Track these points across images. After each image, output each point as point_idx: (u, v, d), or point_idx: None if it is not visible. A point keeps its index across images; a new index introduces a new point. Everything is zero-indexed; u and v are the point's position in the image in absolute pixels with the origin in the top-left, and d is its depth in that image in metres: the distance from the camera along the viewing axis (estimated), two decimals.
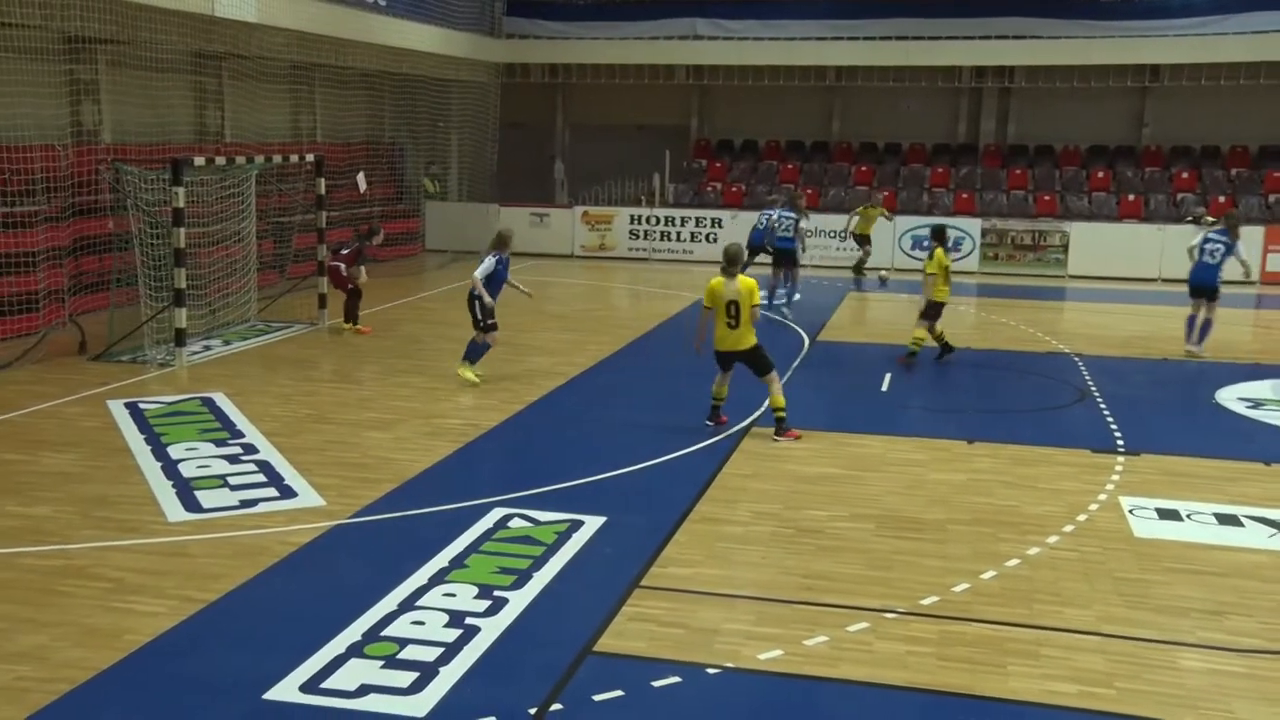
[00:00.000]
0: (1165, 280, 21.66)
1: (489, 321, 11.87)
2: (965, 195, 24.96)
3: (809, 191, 25.68)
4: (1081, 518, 8.00)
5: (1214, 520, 8.01)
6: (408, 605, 6.33)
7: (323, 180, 15.58)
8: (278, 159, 15.84)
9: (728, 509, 8.13)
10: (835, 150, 27.22)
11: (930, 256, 13.10)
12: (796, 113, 27.20)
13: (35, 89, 13.73)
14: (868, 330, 16.74)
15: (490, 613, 6.25)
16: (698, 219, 24.20)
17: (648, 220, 24.65)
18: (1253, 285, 21.27)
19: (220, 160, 14.60)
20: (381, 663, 5.64)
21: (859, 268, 21.71)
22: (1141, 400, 11.91)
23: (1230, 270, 14.23)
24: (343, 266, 14.73)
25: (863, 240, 21.52)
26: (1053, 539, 7.57)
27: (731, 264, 9.95)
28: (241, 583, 6.64)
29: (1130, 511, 8.13)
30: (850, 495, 8.49)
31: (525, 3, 27.01)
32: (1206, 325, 14.14)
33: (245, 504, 8.08)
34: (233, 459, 9.16)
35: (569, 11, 27.14)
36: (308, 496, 8.25)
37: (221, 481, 8.58)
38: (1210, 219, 22.42)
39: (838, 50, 25.21)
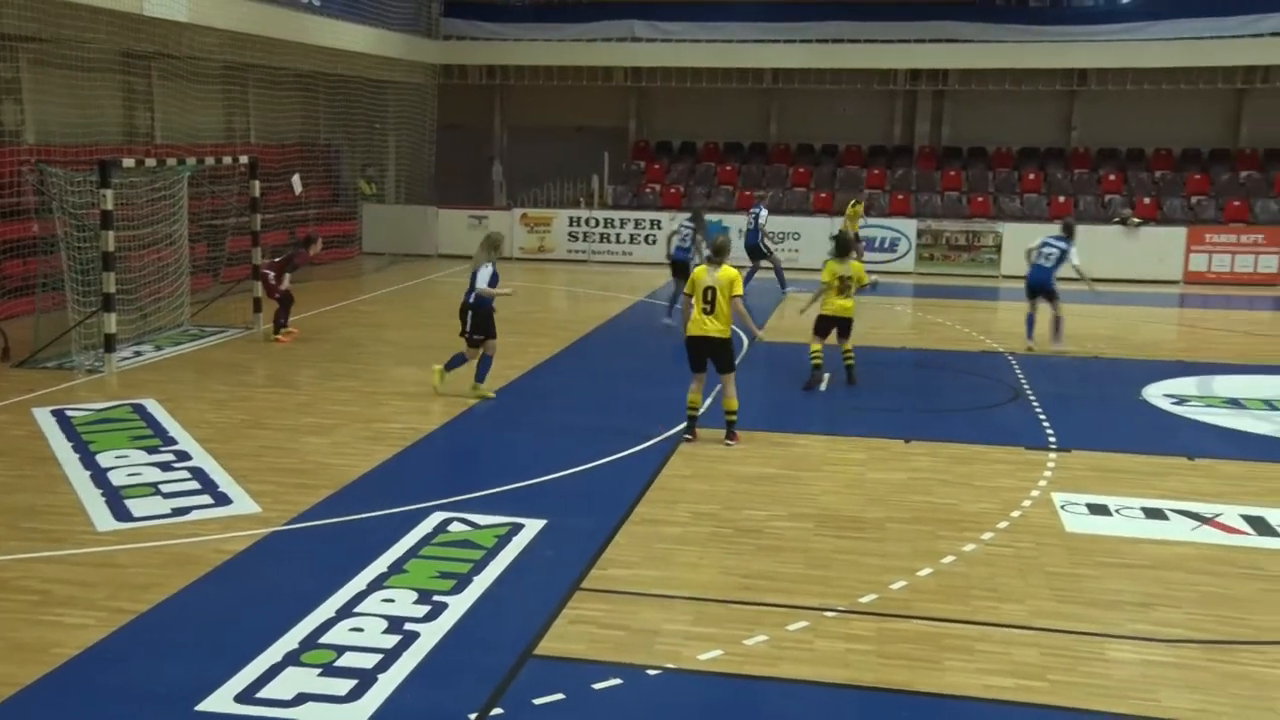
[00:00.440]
0: (1094, 280, 22.10)
1: (476, 336, 11.34)
2: (901, 196, 25.28)
3: (746, 193, 25.89)
4: (1016, 514, 8.13)
5: (1141, 514, 8.19)
6: (346, 612, 6.25)
7: (257, 182, 15.36)
8: (210, 161, 15.59)
9: (667, 510, 8.15)
10: (773, 152, 27.43)
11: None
12: (734, 114, 27.38)
13: None
14: (806, 331, 16.85)
15: (430, 618, 6.20)
16: (637, 221, 24.25)
17: (587, 222, 24.64)
18: (1082, 282, 21.78)
19: (150, 162, 14.34)
20: (319, 670, 5.57)
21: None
22: (1072, 398, 12.14)
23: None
24: (271, 274, 14.49)
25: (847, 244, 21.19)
26: (988, 536, 7.69)
27: (718, 254, 10.00)
28: (174, 592, 6.52)
29: (1062, 507, 8.28)
30: (789, 495, 8.54)
31: (462, 4, 26.90)
32: (1057, 322, 14.51)
33: (178, 512, 7.93)
34: (165, 466, 8.99)
35: (507, 13, 27.07)
36: (243, 503, 8.12)
37: (153, 489, 8.41)
38: (1136, 220, 23.04)
39: (775, 53, 25.42)
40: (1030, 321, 14.80)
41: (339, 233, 22.82)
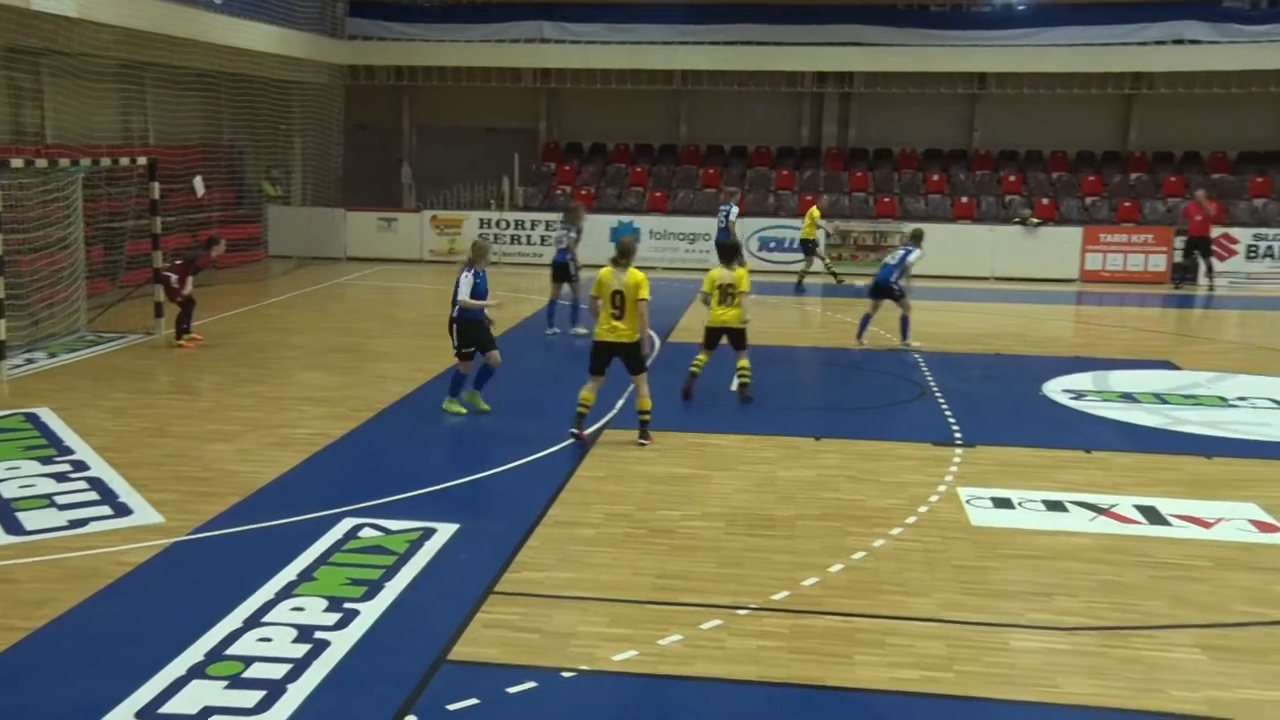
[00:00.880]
0: (997, 279, 22.74)
1: (465, 350, 10.67)
2: (809, 197, 25.56)
3: (657, 194, 26.01)
4: (923, 509, 8.30)
5: (1043, 507, 8.42)
6: (253, 622, 6.12)
7: (156, 184, 14.96)
8: (106, 162, 15.13)
9: (581, 512, 8.15)
10: (683, 153, 27.59)
11: None
12: (645, 116, 27.46)
13: None
14: None
15: (340, 625, 6.10)
16: (548, 222, 24.15)
17: (498, 224, 24.51)
18: (987, 281, 22.45)
19: (41, 162, 13.86)
20: (225, 683, 5.45)
21: (803, 276, 21.50)
22: (976, 394, 12.43)
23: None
24: (173, 277, 14.13)
25: (809, 246, 21.17)
26: (896, 531, 7.83)
27: (623, 255, 9.83)
28: (71, 607, 6.32)
29: (968, 501, 8.47)
30: (702, 494, 8.60)
31: (368, 4, 26.53)
32: (904, 321, 14.73)
33: (75, 524, 7.69)
34: (60, 477, 8.70)
35: (413, 13, 26.77)
36: (144, 514, 7.91)
37: (48, 501, 8.14)
38: (1035, 220, 23.69)
39: (684, 54, 25.57)
40: (864, 321, 14.97)
41: (243, 235, 22.34)
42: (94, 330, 14.77)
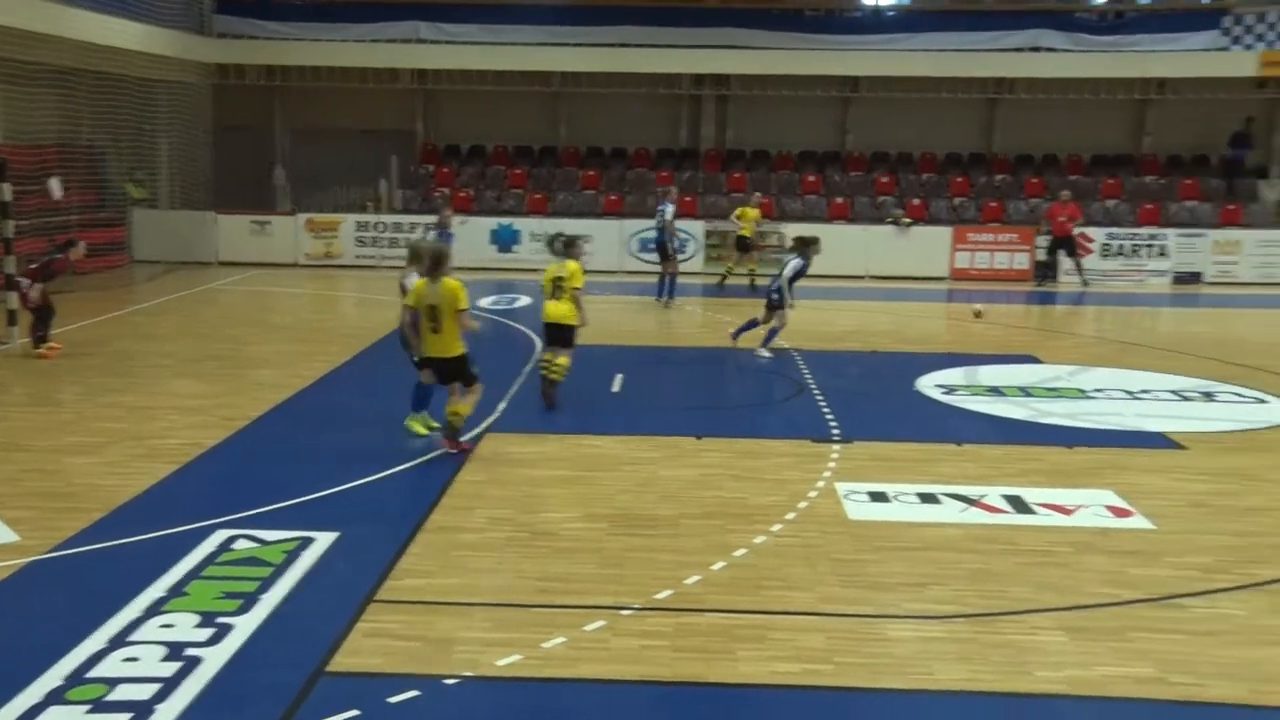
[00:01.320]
0: (872, 277, 23.31)
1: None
2: (689, 198, 25.83)
3: (537, 196, 25.92)
4: (803, 505, 8.45)
5: (917, 499, 8.66)
6: (119, 642, 5.89)
7: (7, 185, 14.27)
8: None
9: (463, 516, 8.07)
10: (563, 154, 27.55)
11: None
12: (524, 117, 27.34)
13: None
14: (597, 332, 17.01)
15: (214, 641, 5.92)
16: (427, 225, 23.82)
17: (376, 227, 24.12)
18: (863, 280, 23.12)
19: None
20: (88, 707, 5.23)
21: (726, 276, 21.49)
22: (853, 391, 12.71)
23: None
24: (24, 282, 13.51)
25: (746, 244, 21.09)
26: (777, 527, 7.95)
27: (435, 265, 9.21)
28: None
29: (845, 496, 8.65)
30: (584, 496, 8.60)
31: (237, 2, 25.83)
32: (771, 332, 14.50)
33: None
34: None
35: (285, 11, 26.14)
36: None
37: None
38: (907, 220, 24.36)
39: (562, 56, 25.55)
40: (750, 324, 14.78)
41: (106, 239, 21.50)
42: None
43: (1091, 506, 8.49)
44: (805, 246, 14.39)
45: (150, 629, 6.05)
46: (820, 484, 8.96)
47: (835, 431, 10.62)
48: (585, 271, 11.31)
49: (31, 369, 13.03)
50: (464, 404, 9.50)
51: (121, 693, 5.36)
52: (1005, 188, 26.41)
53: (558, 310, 11.07)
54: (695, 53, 25.51)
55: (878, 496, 8.70)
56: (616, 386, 12.48)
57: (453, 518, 8.04)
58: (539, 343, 13.78)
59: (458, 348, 9.33)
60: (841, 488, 8.85)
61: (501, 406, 11.02)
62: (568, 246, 11.29)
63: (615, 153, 27.66)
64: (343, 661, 5.77)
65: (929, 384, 12.95)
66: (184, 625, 6.11)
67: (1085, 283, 22.82)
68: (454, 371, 9.41)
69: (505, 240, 23.84)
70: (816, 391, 12.39)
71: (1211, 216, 25.14)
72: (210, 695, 5.38)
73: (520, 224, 24.10)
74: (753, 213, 21.30)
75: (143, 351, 14.31)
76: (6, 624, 6.26)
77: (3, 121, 19.98)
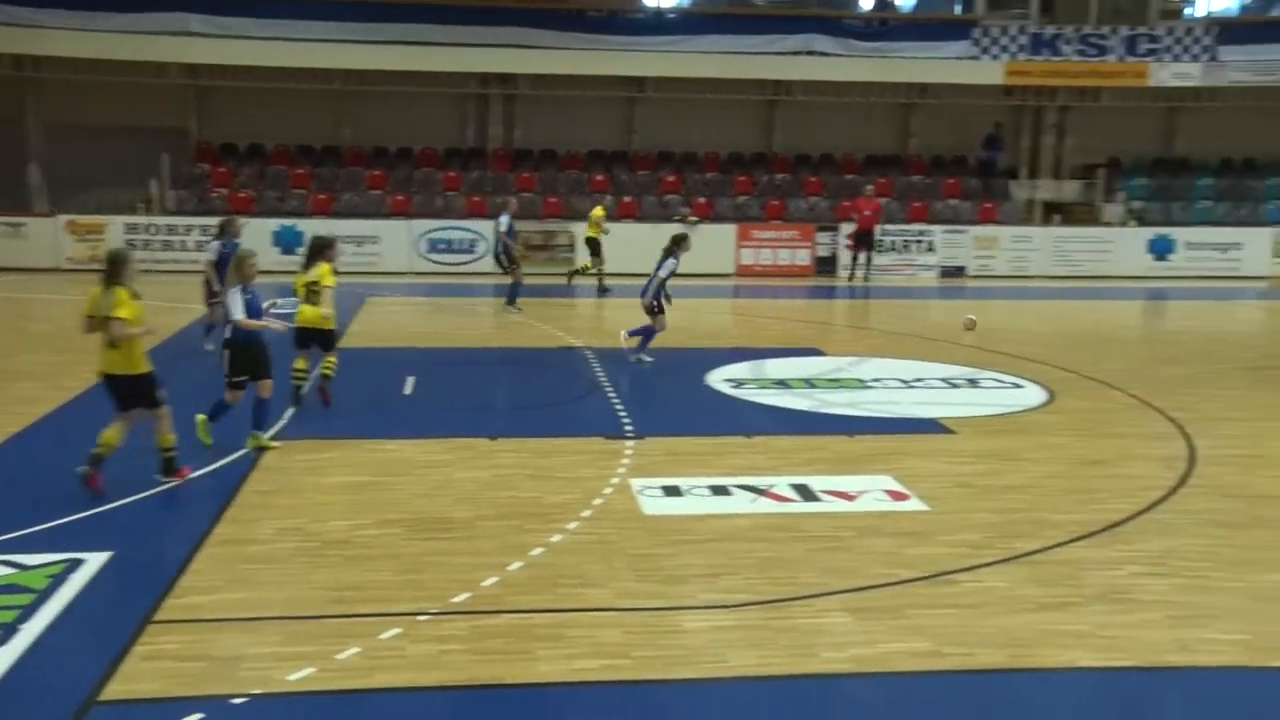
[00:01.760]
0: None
1: (237, 379, 9.54)
2: (477, 198, 25.66)
3: (321, 197, 25.17)
4: (598, 502, 8.53)
5: (709, 492, 8.89)
6: None
7: None
8: None
9: (249, 529, 7.77)
10: (347, 155, 26.86)
11: None
12: (306, 116, 26.50)
13: None
14: (385, 335, 16.69)
15: None
16: (203, 227, 22.77)
17: (147, 229, 22.88)
18: (729, 278, 23.78)
19: None
20: None
21: (574, 274, 21.52)
22: (644, 387, 12.94)
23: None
24: None
25: (596, 246, 20.95)
26: (573, 525, 8.00)
27: (113, 272, 8.37)
28: None
29: (640, 492, 8.79)
30: (377, 502, 8.43)
31: None
32: (649, 333, 14.50)
33: None
34: None
35: None
36: None
37: None
38: (694, 218, 24.95)
39: (346, 53, 24.90)
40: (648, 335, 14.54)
41: None
42: None
43: (872, 492, 8.93)
44: (676, 245, 14.29)
45: None
46: (615, 480, 9.07)
47: (629, 428, 10.78)
48: (336, 273, 11.11)
49: None
50: (170, 434, 8.69)
51: None
52: (786, 186, 27.42)
53: (314, 314, 10.89)
54: (482, 51, 25.34)
55: (671, 491, 8.88)
56: (409, 389, 12.26)
57: (238, 530, 7.73)
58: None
59: (141, 365, 8.45)
60: (636, 483, 8.99)
61: (289, 413, 10.66)
62: (319, 251, 11.06)
63: (401, 152, 27.18)
64: (117, 689, 5.46)
65: (718, 378, 13.31)
66: None
67: (866, 278, 23.96)
68: (136, 392, 8.46)
69: (288, 242, 23.02)
70: (609, 389, 12.54)
71: (971, 214, 26.88)
72: None
73: (304, 225, 23.32)
74: (600, 213, 21.45)
75: None
76: None
77: None
